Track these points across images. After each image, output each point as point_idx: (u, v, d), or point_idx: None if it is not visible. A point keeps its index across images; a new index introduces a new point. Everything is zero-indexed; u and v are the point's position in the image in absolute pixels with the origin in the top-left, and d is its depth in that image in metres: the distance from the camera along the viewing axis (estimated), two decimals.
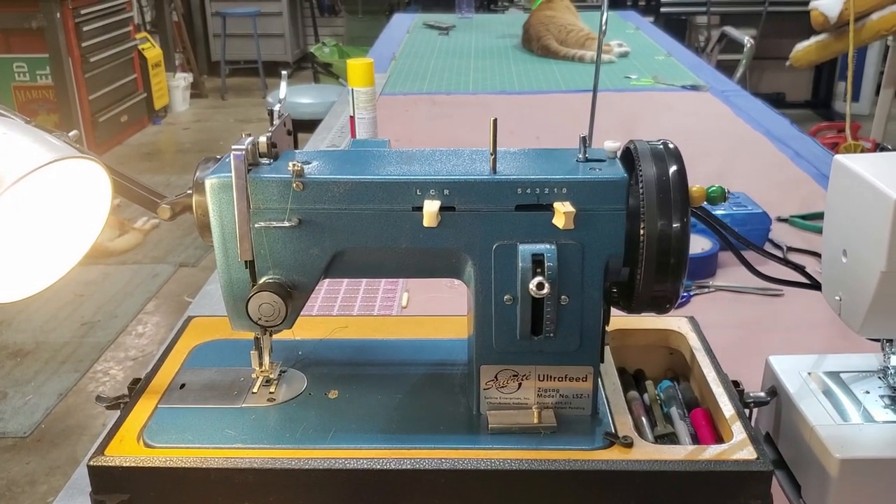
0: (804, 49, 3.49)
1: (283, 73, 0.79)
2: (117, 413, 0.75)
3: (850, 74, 3.27)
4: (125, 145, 5.01)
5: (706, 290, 1.17)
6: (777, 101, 5.06)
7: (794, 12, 4.81)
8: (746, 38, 3.25)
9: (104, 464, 0.67)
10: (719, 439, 0.73)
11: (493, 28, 3.39)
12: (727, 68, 3.03)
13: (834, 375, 0.78)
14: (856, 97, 5.01)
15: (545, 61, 2.72)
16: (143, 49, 5.23)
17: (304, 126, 2.82)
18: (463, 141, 1.85)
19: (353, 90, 1.59)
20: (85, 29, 4.52)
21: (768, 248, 1.29)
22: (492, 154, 0.69)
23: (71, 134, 0.71)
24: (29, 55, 4.46)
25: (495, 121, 0.67)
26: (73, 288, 3.20)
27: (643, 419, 0.77)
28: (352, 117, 1.61)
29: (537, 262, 0.67)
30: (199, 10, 6.57)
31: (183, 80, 5.77)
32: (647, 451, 0.68)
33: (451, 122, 2.05)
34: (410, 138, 1.91)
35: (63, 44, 4.36)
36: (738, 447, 0.68)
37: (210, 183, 0.68)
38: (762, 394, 0.78)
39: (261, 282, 0.70)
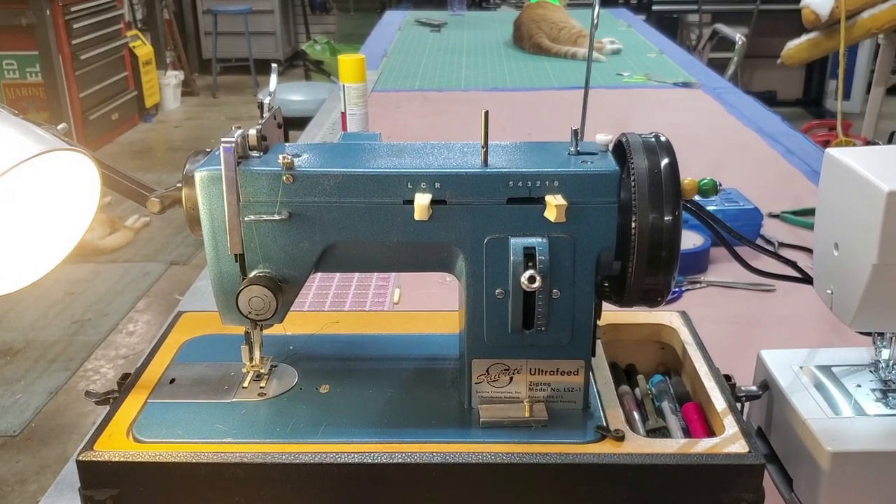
0: (795, 47, 3.50)
1: (273, 65, 0.79)
2: (107, 409, 0.74)
3: (841, 72, 3.28)
4: (116, 143, 4.99)
5: (698, 285, 1.17)
6: (769, 99, 5.07)
7: (785, 10, 4.82)
8: (738, 35, 3.26)
9: (93, 459, 0.67)
10: (711, 433, 0.72)
11: (485, 25, 3.39)
12: (719, 66, 3.04)
13: (825, 369, 0.78)
14: (847, 95, 5.02)
15: (537, 58, 2.72)
16: (133, 47, 5.21)
17: (296, 123, 2.82)
18: (455, 137, 1.85)
19: (344, 86, 1.58)
20: (75, 26, 4.50)
21: (760, 243, 1.29)
22: (483, 147, 0.68)
23: (60, 127, 0.70)
24: (18, 52, 4.44)
25: (486, 113, 0.66)
26: (64, 286, 3.18)
27: (635, 413, 0.77)
28: (343, 113, 1.61)
29: (529, 255, 0.67)
30: (191, 7, 6.55)
31: (174, 77, 5.75)
32: (638, 445, 0.68)
33: (443, 118, 2.05)
34: (402, 135, 1.91)
35: (53, 41, 4.34)
36: (729, 441, 0.68)
37: (200, 176, 0.68)
38: (754, 388, 0.78)
39: (251, 275, 0.70)
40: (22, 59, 4.46)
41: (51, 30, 4.32)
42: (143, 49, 5.34)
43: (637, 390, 0.81)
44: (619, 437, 0.69)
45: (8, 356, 2.76)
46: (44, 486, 2.17)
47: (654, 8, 5.22)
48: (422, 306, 1.12)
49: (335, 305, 1.14)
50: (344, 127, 1.62)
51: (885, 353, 0.75)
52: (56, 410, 2.49)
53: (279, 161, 0.67)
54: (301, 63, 5.94)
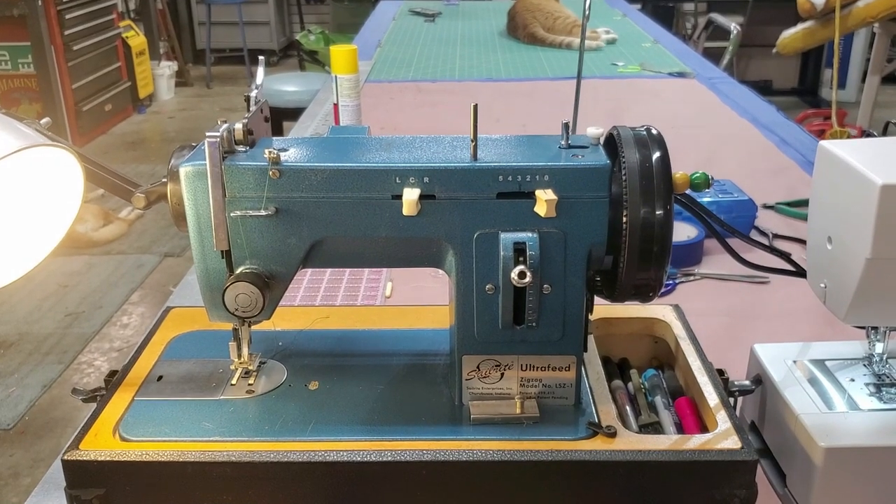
0: (791, 36, 3.49)
1: (260, 58, 0.78)
2: (94, 406, 0.73)
3: (836, 61, 3.27)
4: (110, 134, 4.97)
5: (691, 277, 1.16)
6: (764, 88, 5.06)
7: None
8: (733, 25, 3.24)
9: (79, 458, 0.66)
10: (704, 428, 0.72)
11: (480, 15, 3.37)
12: (714, 55, 3.03)
13: (819, 363, 0.77)
14: (842, 84, 5.01)
15: (532, 48, 2.70)
16: (126, 37, 5.17)
17: (290, 115, 2.81)
18: (448, 128, 1.84)
19: (336, 77, 1.57)
20: (67, 17, 4.47)
21: (754, 235, 1.28)
22: (472, 141, 0.67)
23: (43, 121, 0.69)
24: (10, 43, 4.40)
25: (475, 106, 0.65)
26: (57, 279, 3.17)
27: (627, 408, 0.76)
28: (335, 105, 1.60)
29: (519, 250, 0.66)
30: None
31: (168, 68, 5.72)
32: (630, 441, 0.67)
33: (437, 109, 2.04)
34: (395, 126, 1.89)
35: (45, 32, 4.31)
36: (722, 436, 0.68)
37: (185, 171, 0.67)
38: (747, 382, 0.78)
39: (237, 272, 0.69)
40: (14, 49, 4.43)
41: (43, 20, 4.29)
42: (137, 39, 5.31)
43: (630, 385, 0.81)
44: (611, 434, 0.68)
45: (1, 349, 2.75)
46: (37, 480, 2.15)
47: None
48: (415, 300, 1.11)
49: (326, 300, 1.13)
50: (336, 119, 1.61)
51: (879, 347, 0.75)
52: (50, 403, 2.48)
53: (265, 155, 0.66)
54: (295, 53, 5.91)
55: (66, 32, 4.46)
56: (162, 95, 5.68)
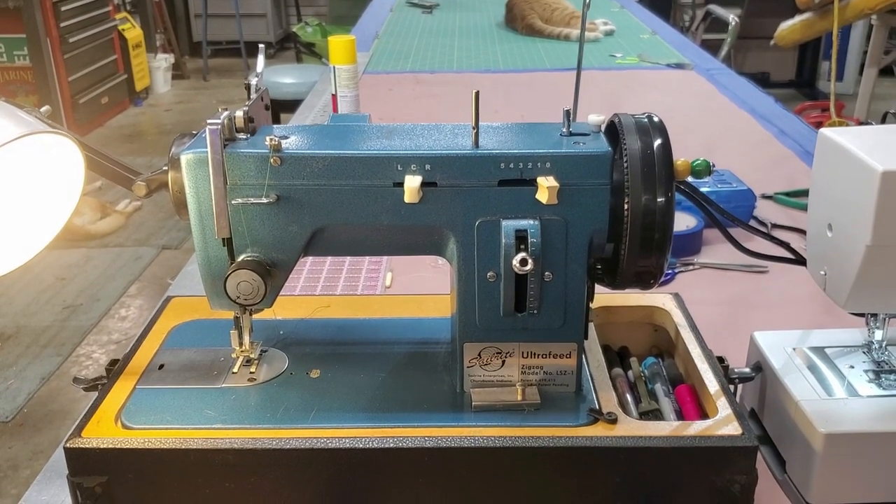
0: (788, 28, 3.48)
1: (261, 46, 0.78)
2: (95, 395, 0.74)
3: (834, 53, 3.27)
4: (106, 127, 4.95)
5: (691, 266, 1.17)
6: (762, 80, 5.04)
7: None
8: (731, 16, 3.25)
9: (81, 446, 0.66)
10: (704, 415, 0.72)
11: (477, 6, 3.36)
12: (712, 47, 3.02)
13: (819, 350, 0.77)
14: (840, 76, 5.01)
15: (530, 40, 2.70)
16: (123, 29, 5.16)
17: (287, 106, 2.80)
18: (447, 119, 1.83)
19: (334, 68, 1.57)
20: (63, 9, 4.45)
21: (753, 225, 1.29)
22: (474, 128, 0.67)
23: (42, 109, 0.69)
24: (6, 35, 4.39)
25: (477, 93, 0.65)
26: (55, 271, 3.16)
27: (627, 396, 0.76)
28: (334, 96, 1.59)
29: (521, 238, 0.66)
30: None
31: (164, 60, 5.70)
32: (631, 428, 0.68)
33: (436, 100, 2.04)
34: (394, 117, 1.89)
35: (41, 24, 4.29)
36: (722, 423, 0.68)
37: (186, 158, 0.67)
38: (747, 370, 0.78)
39: (239, 260, 0.69)
40: (10, 42, 4.41)
41: (38, 12, 4.27)
42: (133, 32, 5.29)
43: (630, 373, 0.81)
44: (612, 420, 0.68)
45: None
46: (37, 472, 2.16)
47: None
48: (414, 290, 1.11)
49: (326, 289, 1.13)
50: (335, 109, 1.61)
51: (879, 334, 0.75)
52: (48, 396, 2.48)
53: (266, 143, 0.66)
54: (292, 45, 5.90)
55: (62, 25, 4.44)
56: (158, 88, 5.66)
